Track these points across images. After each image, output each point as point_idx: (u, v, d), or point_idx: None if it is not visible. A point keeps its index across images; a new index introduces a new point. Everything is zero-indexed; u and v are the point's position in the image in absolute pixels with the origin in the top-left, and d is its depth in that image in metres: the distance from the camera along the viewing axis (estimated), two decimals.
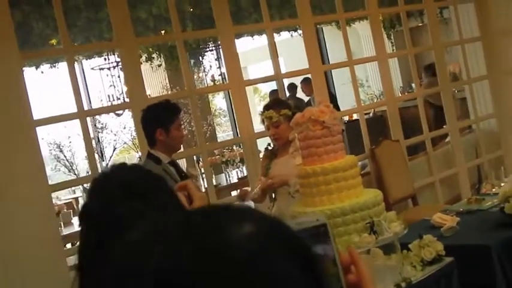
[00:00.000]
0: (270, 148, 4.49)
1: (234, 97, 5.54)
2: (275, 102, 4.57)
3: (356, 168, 3.55)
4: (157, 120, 4.02)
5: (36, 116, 4.27)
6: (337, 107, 9.85)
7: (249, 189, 4.53)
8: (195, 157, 9.19)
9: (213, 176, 8.78)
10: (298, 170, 3.67)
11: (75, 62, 6.54)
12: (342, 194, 3.43)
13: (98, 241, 1.42)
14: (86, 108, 7.11)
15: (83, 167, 10.72)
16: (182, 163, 10.53)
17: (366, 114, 8.54)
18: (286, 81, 9.68)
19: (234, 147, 9.46)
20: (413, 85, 9.59)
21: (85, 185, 8.39)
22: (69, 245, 7.59)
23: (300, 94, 11.61)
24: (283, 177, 4.15)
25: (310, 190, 3.50)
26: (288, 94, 11.80)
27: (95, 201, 1.47)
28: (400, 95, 12.27)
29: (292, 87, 11.66)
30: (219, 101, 17.05)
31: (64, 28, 4.59)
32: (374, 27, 6.41)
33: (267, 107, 4.42)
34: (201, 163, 8.79)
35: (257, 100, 19.53)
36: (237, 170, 9.44)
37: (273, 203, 4.35)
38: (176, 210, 1.51)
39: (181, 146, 4.50)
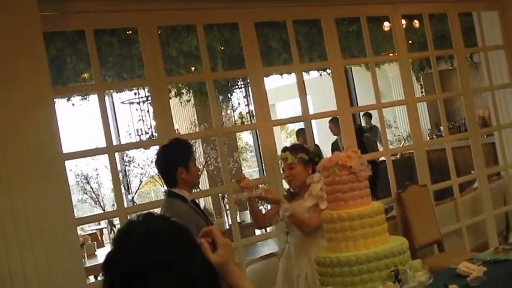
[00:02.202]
0: (292, 191, 4.48)
1: (261, 137, 5.57)
2: (294, 147, 4.57)
3: (382, 215, 3.52)
4: (176, 159, 4.02)
5: (65, 146, 4.29)
6: (364, 148, 9.81)
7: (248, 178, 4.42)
8: (220, 194, 9.20)
9: (238, 212, 8.76)
10: (324, 214, 3.65)
11: (106, 95, 6.63)
12: (368, 240, 3.40)
13: None
14: (114, 141, 7.19)
15: (108, 198, 10.77)
16: (207, 201, 10.58)
17: (393, 155, 8.50)
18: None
19: (260, 184, 9.44)
20: (441, 128, 9.54)
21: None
22: (91, 277, 7.61)
23: (327, 133, 11.58)
24: (279, 196, 4.17)
25: (336, 235, 3.47)
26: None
27: (120, 251, 1.49)
28: (428, 137, 12.21)
29: None
30: (245, 136, 17.11)
31: (97, 65, 4.68)
32: (403, 71, 6.42)
33: (285, 149, 4.43)
34: (226, 200, 8.81)
35: (284, 137, 19.59)
36: (261, 207, 9.41)
37: (287, 238, 4.32)
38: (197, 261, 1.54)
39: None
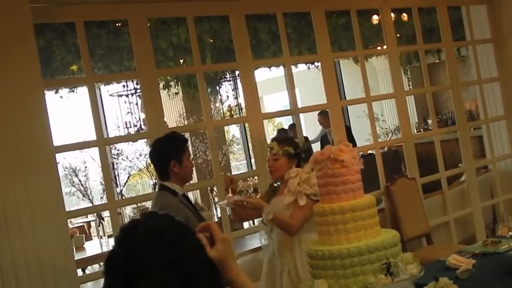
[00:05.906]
0: (275, 185, 4.46)
1: (251, 130, 5.56)
2: (283, 138, 4.55)
3: (374, 208, 3.53)
4: (169, 152, 3.99)
5: (55, 139, 4.26)
6: (352, 140, 9.82)
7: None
8: (208, 187, 9.18)
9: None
10: (316, 207, 3.65)
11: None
12: (359, 233, 3.41)
13: (121, 287, 1.44)
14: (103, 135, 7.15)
15: (96, 190, 10.72)
16: (195, 194, 10.58)
17: (380, 148, 8.52)
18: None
19: (248, 178, 9.46)
20: (429, 121, 9.57)
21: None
22: (79, 271, 7.58)
23: (315, 126, 11.57)
24: (259, 201, 4.14)
25: (328, 228, 3.48)
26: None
27: (121, 249, 1.49)
28: (415, 130, 12.26)
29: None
30: (232, 129, 17.08)
31: (87, 58, 4.65)
32: (392, 64, 6.42)
33: (274, 139, 4.42)
34: (214, 193, 8.80)
35: (271, 129, 19.57)
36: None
37: (271, 235, 4.31)
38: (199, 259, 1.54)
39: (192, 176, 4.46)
